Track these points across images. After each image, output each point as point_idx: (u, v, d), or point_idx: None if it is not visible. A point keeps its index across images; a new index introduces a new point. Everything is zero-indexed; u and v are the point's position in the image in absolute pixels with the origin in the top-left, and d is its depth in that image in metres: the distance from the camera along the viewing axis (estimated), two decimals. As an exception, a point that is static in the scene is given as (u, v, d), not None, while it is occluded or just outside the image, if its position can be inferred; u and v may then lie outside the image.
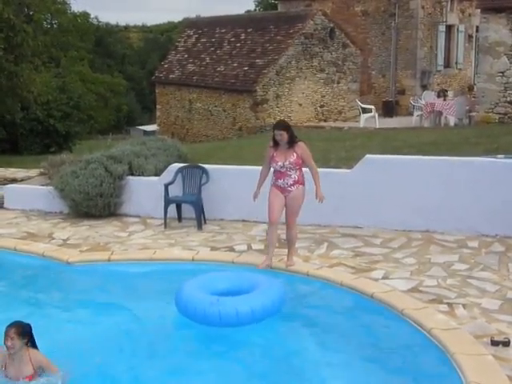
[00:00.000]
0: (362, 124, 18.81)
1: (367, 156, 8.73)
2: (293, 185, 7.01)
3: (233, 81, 21.54)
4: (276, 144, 7.04)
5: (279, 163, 6.99)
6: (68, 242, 8.45)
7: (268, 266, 7.17)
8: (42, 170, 11.32)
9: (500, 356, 4.86)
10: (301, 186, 7.04)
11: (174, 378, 5.07)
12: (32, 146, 21.24)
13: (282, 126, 7.07)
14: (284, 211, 7.17)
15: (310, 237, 8.30)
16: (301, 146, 7.01)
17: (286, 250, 7.66)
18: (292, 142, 6.96)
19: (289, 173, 6.99)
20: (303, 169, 7.09)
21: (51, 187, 10.00)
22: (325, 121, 21.75)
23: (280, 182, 7.05)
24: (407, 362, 5.19)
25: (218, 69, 22.56)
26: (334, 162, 10.22)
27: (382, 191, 8.49)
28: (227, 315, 5.65)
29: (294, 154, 6.95)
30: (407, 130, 16.25)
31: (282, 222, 8.86)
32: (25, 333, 4.76)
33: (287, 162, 6.95)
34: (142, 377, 5.08)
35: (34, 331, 4.86)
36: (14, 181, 11.48)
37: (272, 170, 7.15)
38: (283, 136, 6.93)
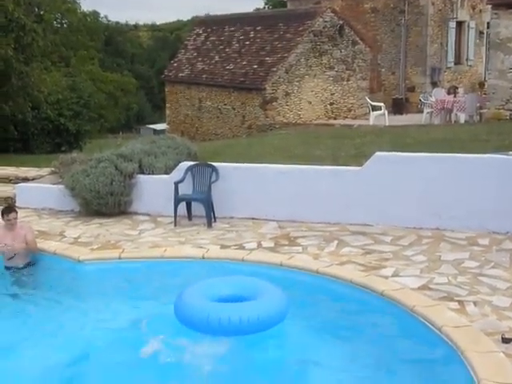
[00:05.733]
0: (371, 121, 18.76)
1: (377, 153, 8.71)
2: None
3: (242, 79, 21.56)
4: None
5: None
6: (79, 240, 8.49)
7: None
8: (53, 169, 11.36)
9: (511, 353, 4.84)
10: None
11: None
12: (43, 145, 21.31)
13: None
14: None
15: (319, 235, 8.30)
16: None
17: (296, 248, 7.69)
18: None
19: None
20: None
21: (62, 186, 10.05)
22: (334, 118, 21.72)
23: None
24: (418, 359, 5.19)
25: (228, 67, 22.58)
26: (344, 160, 10.21)
27: (392, 189, 8.47)
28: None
29: None
30: (417, 128, 16.19)
31: (293, 220, 8.91)
32: None
33: None
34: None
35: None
36: (25, 180, 11.54)
37: None
38: None
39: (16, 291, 7.10)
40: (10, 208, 7.90)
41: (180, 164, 9.64)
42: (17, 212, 7.74)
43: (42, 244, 8.13)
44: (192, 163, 9.56)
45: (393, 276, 6.67)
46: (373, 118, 18.85)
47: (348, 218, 8.71)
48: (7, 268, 7.49)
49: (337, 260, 7.25)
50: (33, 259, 7.69)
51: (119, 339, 5.75)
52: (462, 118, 17.37)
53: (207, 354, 5.28)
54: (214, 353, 5.28)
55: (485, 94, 18.69)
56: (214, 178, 9.13)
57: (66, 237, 8.69)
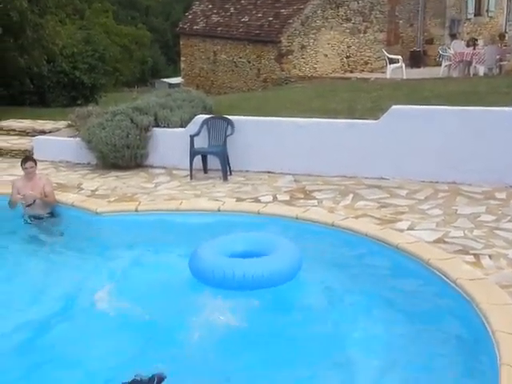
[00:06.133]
0: (388, 75, 18.49)
1: (394, 107, 8.62)
2: None
3: (257, 31, 21.25)
4: None
5: None
6: (96, 193, 8.58)
7: None
8: (69, 122, 11.41)
9: (525, 306, 4.87)
10: None
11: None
12: (59, 98, 21.26)
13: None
14: None
15: (335, 188, 8.30)
16: None
17: (312, 201, 7.70)
18: None
19: None
20: None
21: (79, 139, 10.10)
22: (351, 72, 21.43)
23: None
24: (433, 312, 5.23)
25: (243, 19, 22.24)
26: (360, 113, 10.12)
27: (409, 142, 8.42)
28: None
29: None
30: (435, 81, 15.93)
31: (309, 174, 8.91)
32: None
33: None
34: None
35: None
36: (42, 132, 11.61)
37: None
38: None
39: (37, 240, 7.24)
40: (27, 157, 8.05)
41: (195, 117, 9.62)
42: (35, 162, 7.84)
43: (60, 196, 8.22)
44: (207, 116, 9.54)
45: (408, 229, 6.68)
46: (390, 71, 18.57)
47: (364, 172, 8.69)
48: (29, 217, 7.61)
49: (352, 213, 7.27)
50: (53, 210, 7.80)
51: (133, 290, 5.83)
52: (481, 70, 17.05)
53: (220, 307, 5.35)
54: (229, 306, 5.34)
55: (505, 45, 18.29)
56: (229, 132, 9.11)
57: (83, 189, 8.78)
